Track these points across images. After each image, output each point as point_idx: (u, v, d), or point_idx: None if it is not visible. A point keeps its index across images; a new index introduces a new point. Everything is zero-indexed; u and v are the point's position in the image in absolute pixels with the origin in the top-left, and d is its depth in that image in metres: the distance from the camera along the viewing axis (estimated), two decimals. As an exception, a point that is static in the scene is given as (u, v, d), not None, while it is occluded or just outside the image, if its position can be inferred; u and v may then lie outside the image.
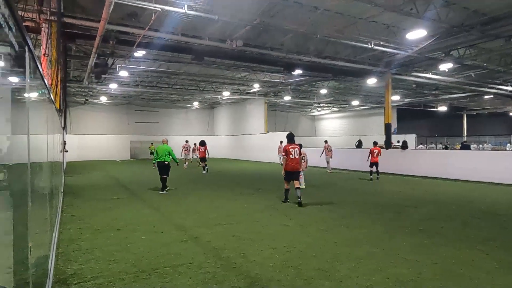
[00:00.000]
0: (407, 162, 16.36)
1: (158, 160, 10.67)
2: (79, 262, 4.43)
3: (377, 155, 14.31)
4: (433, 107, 34.24)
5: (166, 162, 10.66)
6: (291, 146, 8.61)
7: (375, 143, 14.89)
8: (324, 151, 17.86)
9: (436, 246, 5.13)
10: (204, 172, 17.13)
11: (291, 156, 8.52)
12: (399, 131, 30.84)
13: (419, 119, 36.20)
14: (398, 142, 19.15)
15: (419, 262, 4.44)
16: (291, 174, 8.60)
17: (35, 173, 2.73)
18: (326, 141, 18.76)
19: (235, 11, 10.27)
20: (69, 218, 6.98)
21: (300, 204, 8.24)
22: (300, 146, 9.00)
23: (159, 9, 9.08)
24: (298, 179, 8.77)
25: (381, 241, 5.38)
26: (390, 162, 17.00)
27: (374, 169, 14.31)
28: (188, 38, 12.14)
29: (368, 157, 14.43)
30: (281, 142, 20.92)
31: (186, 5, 9.26)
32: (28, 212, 2.21)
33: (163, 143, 11.00)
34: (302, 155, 9.31)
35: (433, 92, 26.15)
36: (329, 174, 16.67)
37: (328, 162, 17.86)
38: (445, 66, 16.14)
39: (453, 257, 4.62)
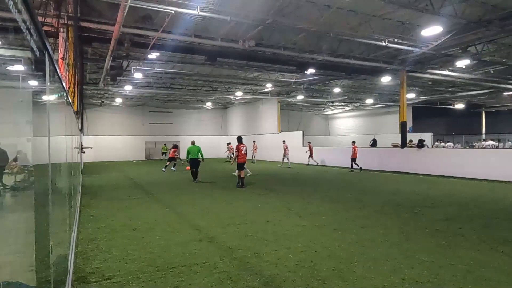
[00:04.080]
0: (424, 161, 16.04)
1: (192, 157, 13.10)
2: (98, 261, 4.53)
3: (355, 152, 18.02)
4: (450, 105, 33.37)
5: (199, 159, 13.19)
6: (241, 145, 11.93)
7: (353, 142, 18.52)
8: (285, 150, 21.04)
9: (454, 247, 5.03)
10: (164, 170, 18.49)
11: (242, 152, 11.87)
12: (415, 129, 30.23)
13: (436, 117, 35.37)
14: (411, 141, 18.80)
15: (437, 263, 4.36)
16: (242, 165, 11.91)
17: (54, 174, 2.80)
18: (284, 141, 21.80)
19: (248, 11, 10.29)
20: (87, 218, 7.14)
21: (243, 184, 11.70)
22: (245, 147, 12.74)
23: (172, 12, 9.20)
24: (243, 169, 11.98)
25: (398, 242, 5.30)
26: (406, 161, 16.75)
27: (354, 164, 17.76)
28: (201, 39, 12.23)
29: (352, 154, 17.88)
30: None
31: (198, 7, 9.34)
32: (49, 212, 2.27)
33: (193, 144, 13.43)
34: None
35: (449, 89, 25.54)
36: (347, 173, 16.56)
37: (285, 159, 21.07)
38: (462, 63, 15.72)
39: (472, 259, 4.51)
